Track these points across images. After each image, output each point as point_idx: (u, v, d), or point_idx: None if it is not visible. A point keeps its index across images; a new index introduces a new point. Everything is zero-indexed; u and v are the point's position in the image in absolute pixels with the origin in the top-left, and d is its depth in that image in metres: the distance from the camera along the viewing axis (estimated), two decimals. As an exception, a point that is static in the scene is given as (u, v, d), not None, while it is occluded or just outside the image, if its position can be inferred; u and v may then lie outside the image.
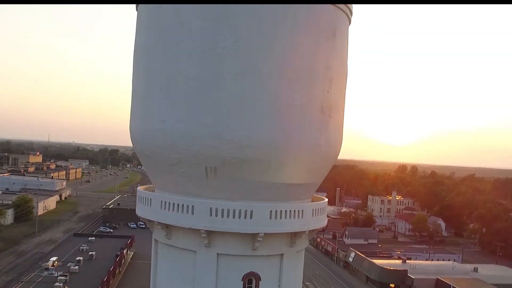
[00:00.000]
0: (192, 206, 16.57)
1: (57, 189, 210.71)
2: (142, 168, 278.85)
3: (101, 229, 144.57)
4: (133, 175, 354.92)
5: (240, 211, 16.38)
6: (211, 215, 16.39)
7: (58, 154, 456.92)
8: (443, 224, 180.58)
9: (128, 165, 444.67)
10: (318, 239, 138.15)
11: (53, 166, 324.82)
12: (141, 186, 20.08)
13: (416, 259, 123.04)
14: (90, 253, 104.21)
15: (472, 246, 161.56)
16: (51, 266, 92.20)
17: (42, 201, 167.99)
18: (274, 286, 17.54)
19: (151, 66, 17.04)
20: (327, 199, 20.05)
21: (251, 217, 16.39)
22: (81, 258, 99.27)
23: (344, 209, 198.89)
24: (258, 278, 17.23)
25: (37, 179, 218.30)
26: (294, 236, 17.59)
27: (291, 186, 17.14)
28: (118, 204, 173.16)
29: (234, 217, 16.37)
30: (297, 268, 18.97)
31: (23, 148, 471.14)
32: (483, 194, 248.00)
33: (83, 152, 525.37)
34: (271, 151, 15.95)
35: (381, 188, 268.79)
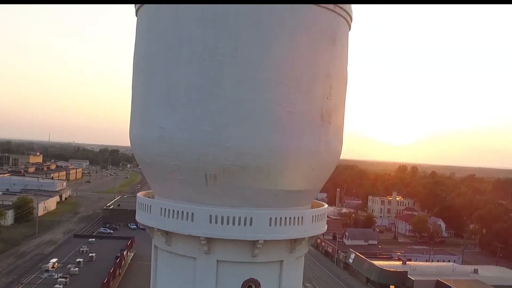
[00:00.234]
0: (192, 213, 16.57)
1: (57, 189, 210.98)
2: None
3: (101, 230, 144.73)
4: (133, 175, 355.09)
5: (240, 218, 16.38)
6: (210, 222, 16.40)
7: (58, 154, 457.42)
8: (443, 225, 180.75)
9: (129, 165, 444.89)
10: (318, 240, 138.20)
11: (53, 167, 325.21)
12: (141, 192, 20.14)
13: (416, 260, 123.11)
14: (90, 254, 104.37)
15: (472, 247, 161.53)
16: (51, 267, 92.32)
17: (42, 202, 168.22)
18: (274, 293, 17.56)
19: (151, 73, 17.04)
20: (327, 205, 20.06)
21: (250, 224, 16.39)
22: (81, 259, 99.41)
23: (344, 210, 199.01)
24: (257, 285, 17.24)
25: (37, 179, 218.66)
26: (294, 242, 17.60)
27: (291, 192, 17.16)
28: (119, 205, 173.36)
29: (234, 224, 16.37)
30: (297, 274, 18.98)
31: (24, 148, 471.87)
32: (483, 195, 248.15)
33: (83, 152, 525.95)
34: (271, 159, 15.96)
35: (381, 189, 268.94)
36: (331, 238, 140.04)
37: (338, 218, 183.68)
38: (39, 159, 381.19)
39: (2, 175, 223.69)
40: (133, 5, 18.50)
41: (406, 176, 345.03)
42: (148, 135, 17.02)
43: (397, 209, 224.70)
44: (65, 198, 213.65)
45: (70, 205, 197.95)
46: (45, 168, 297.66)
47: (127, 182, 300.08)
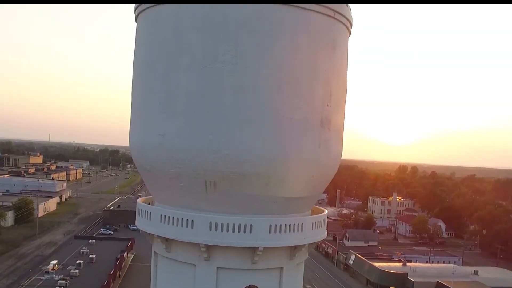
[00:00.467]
0: (192, 220, 16.56)
1: (57, 190, 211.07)
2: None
3: (101, 231, 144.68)
4: (133, 175, 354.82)
5: (239, 225, 16.38)
6: (210, 229, 16.39)
7: (59, 155, 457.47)
8: (443, 226, 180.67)
9: (129, 166, 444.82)
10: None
11: (53, 167, 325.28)
12: (141, 198, 20.15)
13: (416, 262, 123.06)
14: (90, 256, 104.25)
15: (473, 248, 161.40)
16: (52, 269, 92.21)
17: (43, 203, 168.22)
18: (274, 299, 17.56)
19: (151, 80, 17.03)
20: (326, 211, 20.02)
21: (250, 231, 16.39)
22: (81, 261, 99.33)
23: (344, 211, 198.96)
24: (258, 291, 17.23)
25: (38, 180, 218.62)
26: (294, 249, 17.59)
27: (291, 199, 17.15)
28: (119, 205, 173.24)
29: (233, 231, 16.37)
30: (297, 280, 18.97)
31: (24, 149, 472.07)
32: (484, 195, 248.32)
33: (84, 153, 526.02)
34: (271, 166, 15.95)
35: (382, 189, 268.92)
36: (331, 239, 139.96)
37: (338, 219, 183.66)
38: (39, 159, 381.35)
39: (2, 176, 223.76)
40: (133, 9, 18.49)
41: (406, 177, 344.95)
42: (148, 142, 17.01)
43: (397, 210, 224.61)
44: (65, 199, 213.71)
45: (70, 206, 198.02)
46: (45, 169, 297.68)
47: (127, 183, 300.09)
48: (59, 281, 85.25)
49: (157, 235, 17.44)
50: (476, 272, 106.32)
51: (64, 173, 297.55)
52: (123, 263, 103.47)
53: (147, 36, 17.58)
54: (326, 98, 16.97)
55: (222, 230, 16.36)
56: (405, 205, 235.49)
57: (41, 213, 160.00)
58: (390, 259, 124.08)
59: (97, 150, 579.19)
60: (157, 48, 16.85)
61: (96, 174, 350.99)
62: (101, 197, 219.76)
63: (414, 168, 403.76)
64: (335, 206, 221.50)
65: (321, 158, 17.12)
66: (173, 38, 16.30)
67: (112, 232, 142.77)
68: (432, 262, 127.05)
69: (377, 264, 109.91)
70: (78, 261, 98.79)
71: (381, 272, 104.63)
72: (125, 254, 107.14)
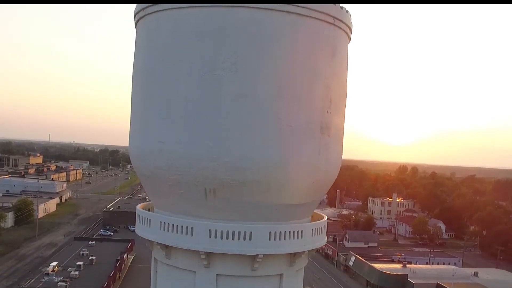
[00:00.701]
0: (192, 227, 16.55)
1: (57, 191, 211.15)
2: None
3: (101, 232, 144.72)
4: (133, 176, 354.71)
5: (239, 232, 16.36)
6: (210, 236, 16.38)
7: (59, 155, 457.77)
8: (443, 227, 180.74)
9: (129, 166, 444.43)
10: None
11: (53, 168, 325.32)
12: (140, 204, 20.13)
13: (416, 263, 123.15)
14: (90, 257, 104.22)
15: (472, 249, 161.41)
16: (52, 271, 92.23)
17: (43, 204, 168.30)
18: (274, 306, 17.54)
19: (150, 86, 17.00)
20: (326, 217, 20.00)
21: (250, 239, 16.38)
22: (81, 263, 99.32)
23: (344, 212, 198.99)
24: (257, 298, 17.21)
25: (38, 181, 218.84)
26: (293, 256, 17.58)
27: (291, 206, 17.13)
28: (119, 206, 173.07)
29: (233, 238, 16.36)
30: (297, 287, 18.94)
31: (24, 149, 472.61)
32: (484, 196, 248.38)
33: (84, 153, 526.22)
34: (271, 173, 15.93)
35: (382, 190, 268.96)
36: (331, 240, 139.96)
37: (338, 220, 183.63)
38: (39, 160, 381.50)
39: (2, 177, 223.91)
40: (133, 14, 18.48)
41: (406, 177, 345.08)
42: (148, 148, 16.98)
43: (397, 211, 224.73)
44: (65, 200, 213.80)
45: (70, 207, 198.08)
46: (45, 169, 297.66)
47: (127, 183, 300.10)
48: (59, 283, 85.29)
49: (157, 242, 17.45)
50: (476, 274, 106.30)
51: (64, 174, 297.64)
52: (123, 265, 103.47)
53: (147, 42, 17.56)
54: (326, 104, 16.96)
55: (222, 237, 16.34)
56: (405, 206, 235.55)
57: (41, 214, 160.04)
58: (390, 261, 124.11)
59: (97, 150, 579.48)
60: (156, 55, 16.83)
61: (96, 174, 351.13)
62: (101, 197, 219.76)
63: (414, 169, 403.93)
64: (335, 207, 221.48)
65: (321, 165, 17.11)
66: (173, 44, 16.28)
67: (112, 233, 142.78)
68: (432, 264, 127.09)
69: (377, 266, 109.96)
70: (78, 263, 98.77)
71: (381, 273, 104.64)
72: (125, 255, 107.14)
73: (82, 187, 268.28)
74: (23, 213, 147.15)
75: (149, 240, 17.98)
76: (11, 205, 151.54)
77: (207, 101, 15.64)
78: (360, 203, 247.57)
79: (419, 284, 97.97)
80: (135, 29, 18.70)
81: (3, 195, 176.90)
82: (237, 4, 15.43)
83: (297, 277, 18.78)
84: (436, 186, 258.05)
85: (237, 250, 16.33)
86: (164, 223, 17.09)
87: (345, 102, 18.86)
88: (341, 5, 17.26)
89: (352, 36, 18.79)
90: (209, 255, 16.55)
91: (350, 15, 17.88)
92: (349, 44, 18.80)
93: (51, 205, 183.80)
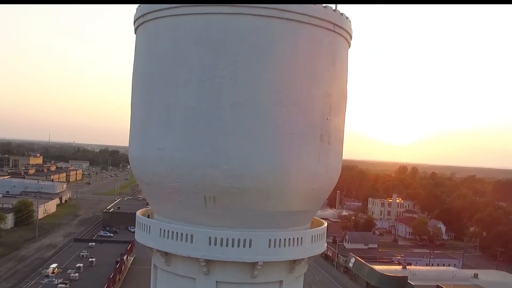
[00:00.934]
0: (191, 235, 16.53)
1: (57, 192, 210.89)
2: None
3: (101, 233, 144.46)
4: (133, 176, 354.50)
5: (239, 240, 16.34)
6: (210, 244, 16.35)
7: (59, 155, 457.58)
8: (443, 228, 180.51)
9: (128, 166, 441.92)
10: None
11: (53, 168, 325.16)
12: (140, 210, 20.10)
13: (416, 264, 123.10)
14: (90, 259, 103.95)
15: (472, 250, 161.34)
16: (51, 273, 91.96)
17: (42, 205, 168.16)
18: (273, 312, 17.52)
19: (150, 94, 16.98)
20: (326, 223, 19.98)
21: (250, 246, 16.36)
22: (81, 264, 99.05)
23: (344, 212, 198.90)
24: (257, 305, 17.18)
25: (38, 182, 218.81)
26: (293, 263, 17.57)
27: (290, 213, 17.11)
28: (119, 207, 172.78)
29: (233, 246, 16.34)
30: (297, 293, 18.93)
31: (24, 149, 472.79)
32: (484, 196, 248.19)
33: (84, 153, 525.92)
34: (270, 180, 15.90)
35: (382, 190, 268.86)
36: (331, 241, 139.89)
37: (338, 220, 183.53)
38: (39, 160, 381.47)
39: (2, 178, 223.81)
40: (132, 21, 18.46)
41: (406, 177, 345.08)
42: (147, 156, 16.96)
43: (397, 211, 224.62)
44: (65, 201, 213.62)
45: (70, 208, 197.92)
46: (45, 170, 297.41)
47: (127, 184, 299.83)
48: (59, 285, 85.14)
49: (157, 249, 17.43)
50: (476, 276, 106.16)
51: (64, 174, 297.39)
52: (123, 266, 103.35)
53: (146, 49, 17.53)
54: (326, 111, 16.94)
55: (221, 245, 16.33)
56: (405, 207, 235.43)
57: (41, 215, 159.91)
58: (390, 262, 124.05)
59: (97, 151, 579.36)
60: (156, 62, 16.81)
61: (96, 175, 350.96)
62: (101, 198, 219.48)
63: (414, 169, 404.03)
64: (335, 208, 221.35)
65: (320, 172, 17.09)
66: (172, 51, 16.25)
67: (112, 234, 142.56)
68: (432, 265, 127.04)
69: (377, 267, 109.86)
70: (78, 265, 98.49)
71: (381, 275, 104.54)
72: (125, 257, 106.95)
73: (82, 188, 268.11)
74: (23, 214, 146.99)
75: (149, 247, 17.98)
76: (11, 206, 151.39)
77: (207, 109, 15.63)
78: (360, 203, 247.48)
79: (419, 286, 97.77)
80: (134, 35, 18.70)
81: (3, 196, 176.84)
82: (237, 13, 15.41)
83: (297, 284, 18.76)
84: (436, 187, 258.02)
85: (236, 257, 16.32)
86: (164, 230, 17.07)
87: (345, 108, 18.83)
88: (342, 6, 17.23)
89: (352, 36, 18.74)
90: (208, 262, 16.53)
91: (350, 21, 17.86)
92: (349, 49, 18.80)
93: (51, 206, 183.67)
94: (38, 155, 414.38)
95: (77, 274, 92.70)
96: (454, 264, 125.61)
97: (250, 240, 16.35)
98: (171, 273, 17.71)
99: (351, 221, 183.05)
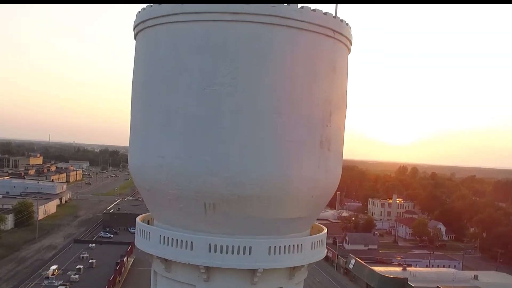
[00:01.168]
0: (191, 242, 16.52)
1: (57, 192, 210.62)
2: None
3: (101, 234, 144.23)
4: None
5: (239, 247, 16.33)
6: (210, 251, 16.35)
7: (59, 155, 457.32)
8: (443, 229, 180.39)
9: (128, 167, 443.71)
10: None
11: (53, 168, 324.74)
12: (140, 216, 20.10)
13: (416, 265, 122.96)
14: (90, 261, 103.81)
15: (473, 251, 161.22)
16: (51, 275, 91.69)
17: (43, 206, 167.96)
18: (273, 319, 17.50)
19: (149, 101, 16.95)
20: (326, 229, 19.96)
21: (250, 253, 16.36)
22: (81, 266, 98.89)
23: (344, 213, 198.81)
24: (257, 312, 17.15)
25: (38, 182, 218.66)
26: (293, 269, 17.55)
27: (290, 220, 17.11)
28: (119, 208, 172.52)
29: (233, 253, 16.33)
30: (297, 299, 18.91)
31: (24, 149, 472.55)
32: (484, 196, 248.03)
33: (84, 153, 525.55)
34: (270, 188, 15.89)
35: (382, 190, 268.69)
36: (331, 242, 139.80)
37: (338, 221, 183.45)
38: (39, 160, 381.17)
39: (2, 178, 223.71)
40: (132, 26, 18.42)
41: (406, 177, 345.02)
42: (147, 163, 16.95)
43: (397, 212, 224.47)
44: (65, 201, 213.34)
45: (70, 208, 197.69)
46: (45, 170, 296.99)
47: (127, 184, 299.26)
48: (59, 287, 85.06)
49: (157, 256, 17.42)
50: (476, 277, 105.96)
51: (64, 175, 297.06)
52: (123, 268, 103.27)
53: (147, 55, 17.49)
54: (325, 118, 16.93)
55: (221, 252, 16.33)
56: (405, 207, 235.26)
57: (41, 215, 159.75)
58: (390, 263, 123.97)
59: (97, 151, 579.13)
60: (156, 69, 16.78)
61: (96, 175, 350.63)
62: (101, 199, 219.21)
63: (414, 169, 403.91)
64: (335, 208, 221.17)
65: (320, 179, 17.08)
66: (172, 58, 16.23)
67: (112, 235, 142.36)
68: (432, 266, 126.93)
69: (377, 269, 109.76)
70: (78, 266, 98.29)
71: (381, 277, 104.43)
72: (125, 258, 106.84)
73: (82, 188, 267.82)
74: (23, 215, 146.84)
75: (149, 253, 17.97)
76: (11, 207, 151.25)
77: (207, 116, 15.61)
78: (360, 204, 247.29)
79: (419, 287, 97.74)
80: (134, 42, 18.67)
81: (3, 197, 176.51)
82: (237, 20, 15.39)
83: (297, 290, 18.75)
84: (436, 187, 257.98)
85: (236, 264, 16.32)
86: (164, 237, 17.06)
87: (345, 113, 18.81)
88: (342, 8, 17.27)
89: (352, 42, 18.71)
90: (208, 269, 16.53)
91: (350, 27, 17.85)
92: (349, 55, 18.77)
93: (51, 206, 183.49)
94: (38, 155, 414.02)
95: (77, 276, 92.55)
96: (454, 266, 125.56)
97: (250, 247, 16.34)
98: (171, 280, 17.71)
99: (351, 222, 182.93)
